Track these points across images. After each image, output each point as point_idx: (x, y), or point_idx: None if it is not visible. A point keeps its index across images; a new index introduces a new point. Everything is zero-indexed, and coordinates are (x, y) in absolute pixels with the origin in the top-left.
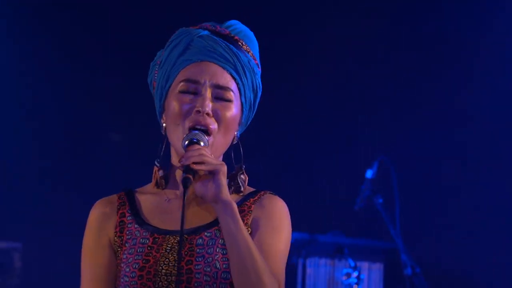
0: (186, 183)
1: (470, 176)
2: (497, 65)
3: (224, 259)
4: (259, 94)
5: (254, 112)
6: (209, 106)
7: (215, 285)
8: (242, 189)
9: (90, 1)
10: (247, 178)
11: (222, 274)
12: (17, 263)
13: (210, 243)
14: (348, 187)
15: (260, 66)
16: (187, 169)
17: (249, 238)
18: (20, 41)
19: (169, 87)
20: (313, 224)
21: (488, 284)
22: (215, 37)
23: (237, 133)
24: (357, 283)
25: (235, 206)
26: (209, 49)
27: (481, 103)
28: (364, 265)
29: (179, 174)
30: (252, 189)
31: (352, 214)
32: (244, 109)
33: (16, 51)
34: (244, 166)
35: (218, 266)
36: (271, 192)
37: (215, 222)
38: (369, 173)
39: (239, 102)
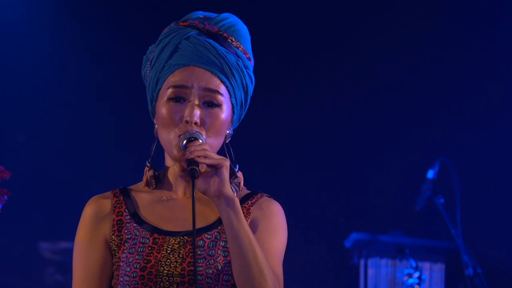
0: (193, 173)
1: None
2: None
3: (225, 261)
4: (251, 89)
5: (247, 109)
6: (196, 114)
7: (216, 286)
8: (238, 191)
9: None
10: (242, 180)
11: (224, 276)
12: None
13: (211, 245)
14: (409, 187)
15: (252, 60)
16: (191, 162)
17: (251, 232)
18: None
19: (159, 91)
20: (374, 224)
21: None
22: (202, 38)
23: (229, 132)
24: (418, 284)
25: (237, 200)
26: (196, 54)
27: None
28: (426, 266)
29: (173, 174)
30: (247, 191)
31: (413, 214)
32: (235, 110)
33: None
34: (237, 169)
35: (219, 268)
36: (267, 195)
37: (216, 224)
38: (430, 173)
39: (229, 104)
